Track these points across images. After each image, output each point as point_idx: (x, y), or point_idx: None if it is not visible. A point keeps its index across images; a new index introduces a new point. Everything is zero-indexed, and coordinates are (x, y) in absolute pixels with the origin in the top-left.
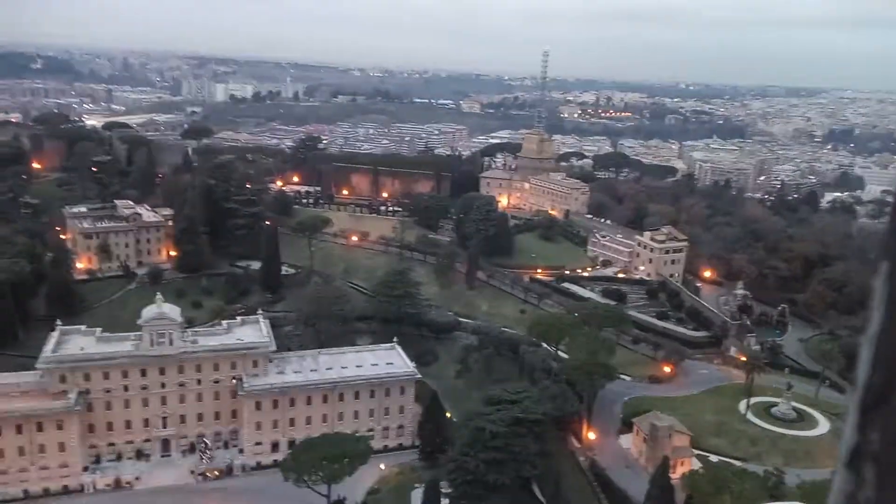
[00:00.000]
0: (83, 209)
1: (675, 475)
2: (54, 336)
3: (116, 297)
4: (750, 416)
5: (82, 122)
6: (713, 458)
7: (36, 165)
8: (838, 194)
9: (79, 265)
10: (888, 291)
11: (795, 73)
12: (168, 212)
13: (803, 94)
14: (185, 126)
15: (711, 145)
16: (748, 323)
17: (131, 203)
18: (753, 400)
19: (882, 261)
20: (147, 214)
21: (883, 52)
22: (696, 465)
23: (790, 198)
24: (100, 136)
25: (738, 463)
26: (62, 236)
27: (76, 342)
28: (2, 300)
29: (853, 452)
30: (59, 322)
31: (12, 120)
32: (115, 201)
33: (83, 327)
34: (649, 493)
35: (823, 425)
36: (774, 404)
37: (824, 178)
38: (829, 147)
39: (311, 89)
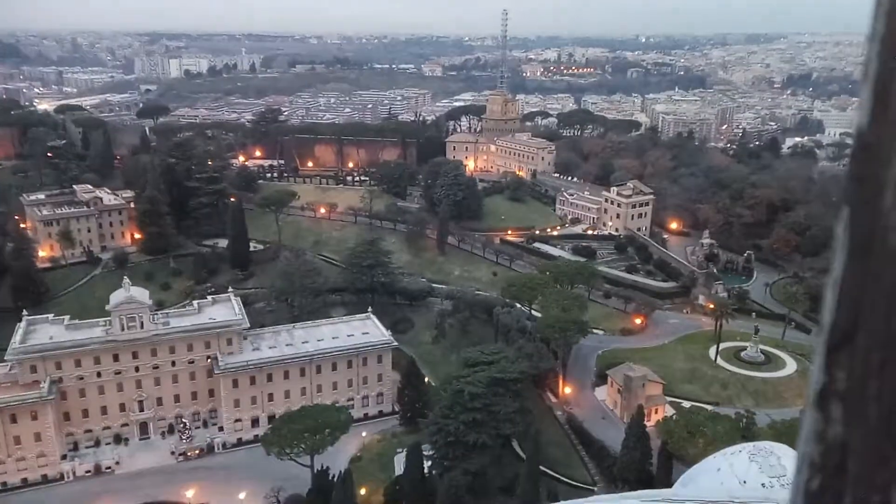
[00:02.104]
0: (41, 196)
1: (650, 423)
2: (21, 326)
3: (82, 283)
4: (720, 362)
5: (34, 106)
6: (686, 403)
7: None
8: (799, 139)
9: (41, 253)
10: (848, 236)
11: (753, 19)
12: (129, 194)
13: (762, 40)
14: (141, 105)
15: (673, 97)
16: (715, 271)
17: (90, 187)
18: (723, 346)
19: (842, 206)
20: (108, 198)
21: None
22: (670, 411)
23: (752, 145)
24: (53, 120)
25: (710, 407)
26: (22, 225)
27: (45, 331)
28: None
29: (820, 392)
30: (25, 312)
31: None
32: (74, 186)
33: (51, 316)
34: (625, 441)
35: (791, 366)
36: (743, 348)
37: (785, 124)
38: (788, 92)
39: (267, 60)
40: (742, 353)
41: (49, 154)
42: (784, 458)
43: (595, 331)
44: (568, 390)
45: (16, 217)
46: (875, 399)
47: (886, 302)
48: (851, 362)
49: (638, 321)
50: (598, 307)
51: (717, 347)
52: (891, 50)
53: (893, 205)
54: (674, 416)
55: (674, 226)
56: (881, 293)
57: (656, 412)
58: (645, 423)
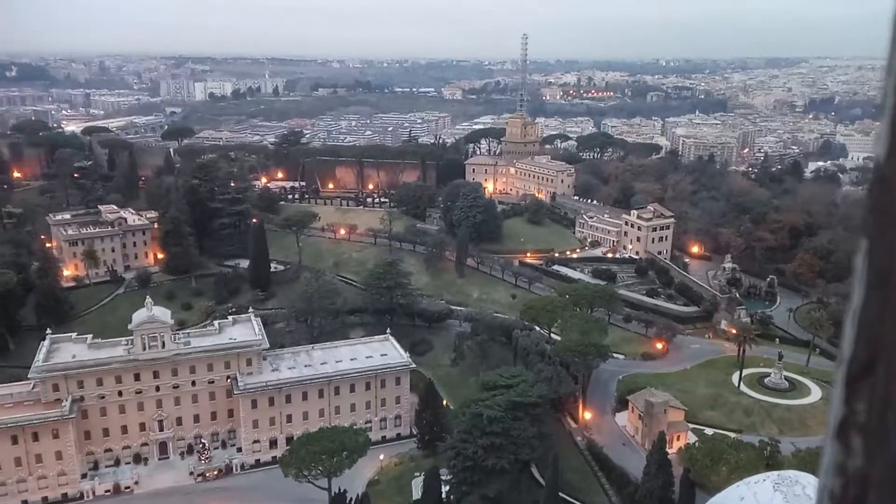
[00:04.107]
0: (67, 216)
1: (672, 450)
2: (45, 345)
3: (105, 302)
4: (743, 388)
5: (61, 128)
6: (708, 430)
7: (16, 174)
8: (822, 163)
9: (66, 272)
10: (867, 268)
11: (774, 43)
12: (153, 214)
13: (783, 64)
14: (166, 127)
15: (694, 120)
16: (737, 295)
17: (115, 207)
18: (746, 371)
19: (861, 238)
20: (132, 218)
21: (860, 17)
22: (692, 438)
23: (774, 169)
24: (80, 141)
25: (733, 434)
26: (47, 244)
27: (68, 350)
28: None
29: (841, 424)
30: (49, 330)
31: None
32: (99, 206)
33: (74, 335)
34: (647, 468)
35: (816, 393)
36: (767, 375)
37: (807, 148)
38: (810, 116)
39: (290, 84)
40: (766, 380)
41: (75, 175)
42: (809, 487)
43: (615, 355)
44: (588, 415)
45: (42, 236)
46: (891, 430)
47: None
48: (871, 394)
49: (659, 346)
50: (618, 331)
51: (741, 373)
52: None
53: None
54: (696, 444)
55: (695, 249)
56: None
57: (678, 439)
58: (667, 450)
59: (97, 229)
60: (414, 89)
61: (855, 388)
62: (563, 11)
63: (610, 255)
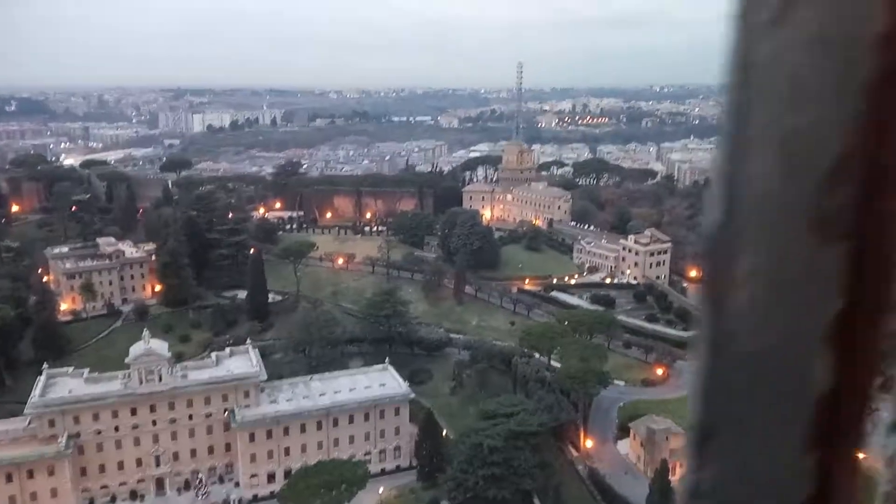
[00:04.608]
0: (65, 249)
1: (675, 478)
2: (42, 380)
3: (103, 335)
4: None
5: (60, 161)
6: None
7: (15, 208)
8: None
9: (63, 306)
10: (705, 335)
11: None
12: (151, 246)
13: None
14: (164, 159)
15: (689, 146)
16: None
17: (113, 240)
18: None
19: (701, 304)
20: (130, 250)
21: None
22: None
23: None
24: (78, 174)
25: None
26: (45, 278)
27: (64, 385)
28: None
29: (690, 492)
30: (46, 365)
31: None
32: (97, 239)
33: (71, 369)
34: (650, 497)
35: None
36: None
37: None
38: None
39: (288, 114)
40: None
41: (74, 208)
42: None
43: (616, 382)
44: (589, 444)
45: (40, 270)
46: (733, 499)
47: (735, 405)
48: (715, 460)
49: (660, 371)
50: (618, 357)
51: None
52: (737, 148)
53: (738, 309)
54: None
55: (693, 274)
56: (730, 396)
57: (681, 466)
58: (670, 477)
59: (95, 262)
60: (411, 118)
61: (701, 453)
62: (558, 40)
63: (608, 281)
